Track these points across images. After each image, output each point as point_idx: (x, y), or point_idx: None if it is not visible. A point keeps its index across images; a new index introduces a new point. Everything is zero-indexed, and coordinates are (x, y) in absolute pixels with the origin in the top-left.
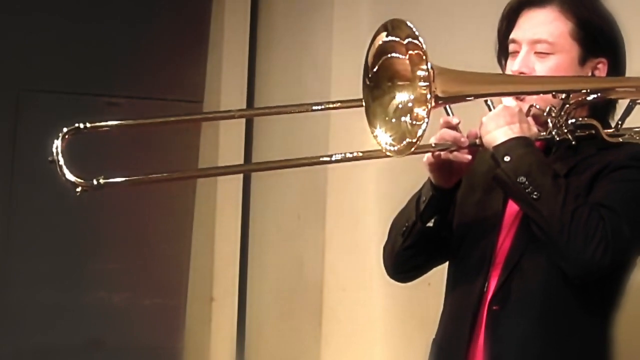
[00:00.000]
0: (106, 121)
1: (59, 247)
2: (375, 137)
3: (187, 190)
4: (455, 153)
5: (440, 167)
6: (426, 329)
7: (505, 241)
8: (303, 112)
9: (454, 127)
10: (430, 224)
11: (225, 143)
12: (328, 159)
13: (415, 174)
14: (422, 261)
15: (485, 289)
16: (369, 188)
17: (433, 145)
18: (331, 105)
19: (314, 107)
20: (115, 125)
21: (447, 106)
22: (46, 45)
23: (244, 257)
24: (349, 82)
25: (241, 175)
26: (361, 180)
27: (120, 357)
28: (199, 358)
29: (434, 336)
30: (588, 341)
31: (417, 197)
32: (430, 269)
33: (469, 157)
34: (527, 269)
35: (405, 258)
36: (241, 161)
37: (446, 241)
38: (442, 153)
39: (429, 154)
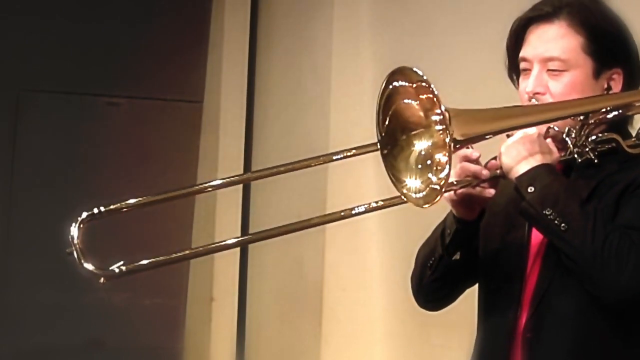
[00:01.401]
0: (119, 202)
1: (59, 247)
2: (404, 187)
3: None
4: (478, 188)
5: (461, 202)
6: (426, 329)
7: (533, 268)
8: (321, 163)
9: (474, 161)
10: (457, 256)
11: (225, 152)
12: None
13: None
14: (449, 291)
15: (518, 316)
16: (370, 188)
17: (454, 182)
18: (348, 154)
19: (334, 157)
20: (133, 204)
21: None
22: (46, 45)
23: (244, 257)
24: (348, 83)
25: None
26: (361, 180)
27: (120, 357)
28: (199, 358)
29: None
30: None
31: (442, 229)
32: (459, 295)
33: (493, 191)
34: (556, 296)
35: (433, 289)
36: (241, 169)
37: (473, 270)
38: (464, 189)
39: (452, 192)
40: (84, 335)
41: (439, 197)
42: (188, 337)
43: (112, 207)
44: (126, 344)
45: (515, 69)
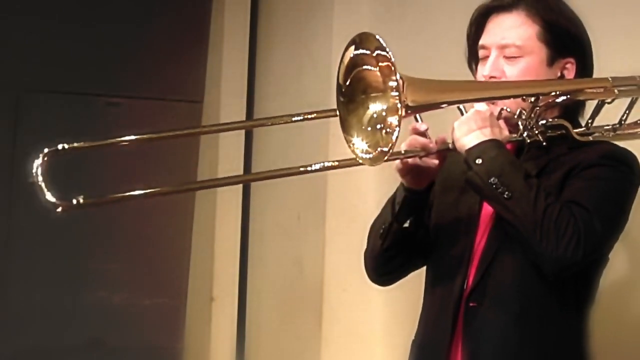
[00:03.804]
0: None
1: (59, 247)
2: (352, 144)
3: None
4: (424, 159)
5: (409, 172)
6: None
7: (482, 240)
8: (282, 123)
9: (423, 134)
10: (406, 225)
11: (225, 152)
12: (304, 169)
13: None
14: (401, 262)
15: (465, 287)
16: (369, 188)
17: (403, 152)
18: (308, 117)
19: (293, 119)
20: (95, 145)
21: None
22: (46, 46)
23: (244, 257)
24: None
25: None
26: (361, 180)
27: (120, 357)
28: (199, 358)
29: (412, 337)
30: (564, 336)
31: (393, 199)
32: (410, 271)
33: (437, 162)
34: (502, 266)
35: (384, 260)
36: (241, 170)
37: (424, 243)
38: (410, 160)
39: (399, 161)
40: (84, 335)
41: (385, 158)
42: (188, 337)
43: (74, 145)
44: (126, 344)
45: (474, 57)
